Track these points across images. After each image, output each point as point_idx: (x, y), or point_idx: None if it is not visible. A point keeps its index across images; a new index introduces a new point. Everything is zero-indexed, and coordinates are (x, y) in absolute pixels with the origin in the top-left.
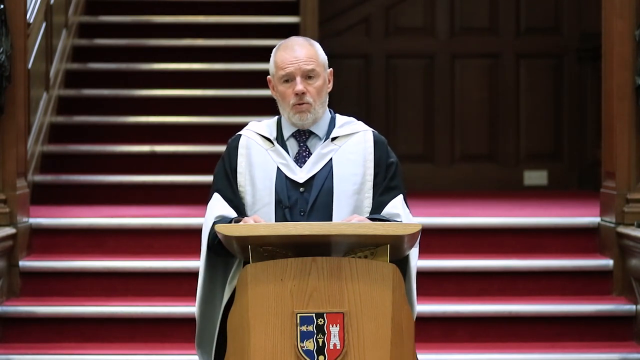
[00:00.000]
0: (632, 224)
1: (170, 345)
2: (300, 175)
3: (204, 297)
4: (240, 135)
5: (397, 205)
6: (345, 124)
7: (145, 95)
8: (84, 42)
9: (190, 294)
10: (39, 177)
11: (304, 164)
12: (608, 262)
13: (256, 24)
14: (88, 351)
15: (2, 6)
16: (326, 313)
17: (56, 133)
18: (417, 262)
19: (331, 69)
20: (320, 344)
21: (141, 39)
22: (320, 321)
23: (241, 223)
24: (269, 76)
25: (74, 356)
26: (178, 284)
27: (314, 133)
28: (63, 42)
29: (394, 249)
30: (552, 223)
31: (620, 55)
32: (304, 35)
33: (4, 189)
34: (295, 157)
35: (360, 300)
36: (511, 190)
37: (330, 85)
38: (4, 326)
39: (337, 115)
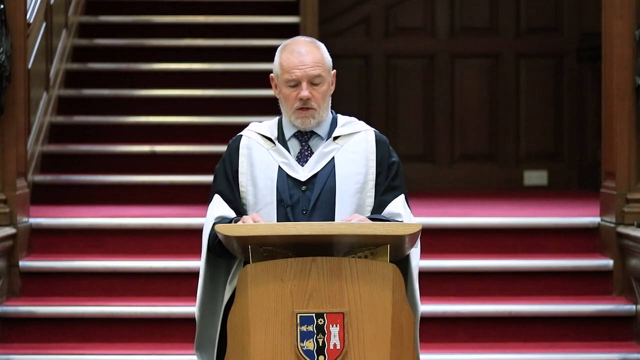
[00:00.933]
0: (632, 224)
1: (170, 345)
2: (303, 173)
3: (204, 299)
4: (241, 135)
5: (398, 205)
6: (347, 123)
7: (145, 95)
8: (84, 42)
9: (190, 294)
10: (39, 177)
11: (306, 162)
12: (608, 262)
13: (256, 24)
14: (88, 351)
15: (2, 6)
16: (326, 313)
17: (56, 133)
18: (419, 262)
19: (334, 70)
20: (320, 344)
21: (141, 39)
22: (320, 321)
23: (240, 222)
24: (271, 74)
25: (74, 356)
26: (178, 284)
27: (315, 133)
28: (63, 42)
29: (394, 249)
30: (552, 223)
31: (620, 55)
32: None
33: (4, 189)
34: (298, 156)
35: (360, 300)
36: (511, 190)
37: (333, 87)
38: (4, 326)
39: (339, 116)
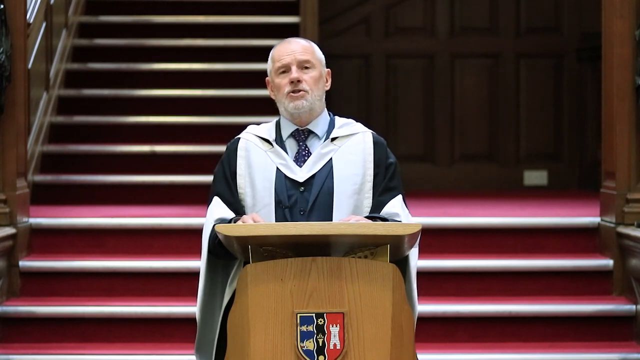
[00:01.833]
0: (632, 224)
1: (170, 345)
2: (300, 174)
3: (205, 300)
4: (239, 138)
5: (396, 205)
6: (345, 124)
7: (145, 95)
8: (84, 42)
9: (190, 294)
10: (39, 177)
11: (304, 163)
12: (608, 262)
13: (256, 24)
14: (88, 351)
15: (2, 6)
16: (326, 313)
17: (56, 133)
18: (417, 262)
19: (329, 69)
20: (320, 344)
21: (141, 39)
22: (320, 321)
23: (240, 222)
24: (267, 77)
25: (74, 356)
26: (178, 284)
27: (312, 132)
28: (63, 42)
29: (394, 249)
30: (552, 223)
31: (620, 56)
32: (304, 35)
33: (4, 189)
34: (295, 157)
35: (360, 300)
36: (511, 190)
37: (328, 85)
38: (4, 326)
39: (336, 117)
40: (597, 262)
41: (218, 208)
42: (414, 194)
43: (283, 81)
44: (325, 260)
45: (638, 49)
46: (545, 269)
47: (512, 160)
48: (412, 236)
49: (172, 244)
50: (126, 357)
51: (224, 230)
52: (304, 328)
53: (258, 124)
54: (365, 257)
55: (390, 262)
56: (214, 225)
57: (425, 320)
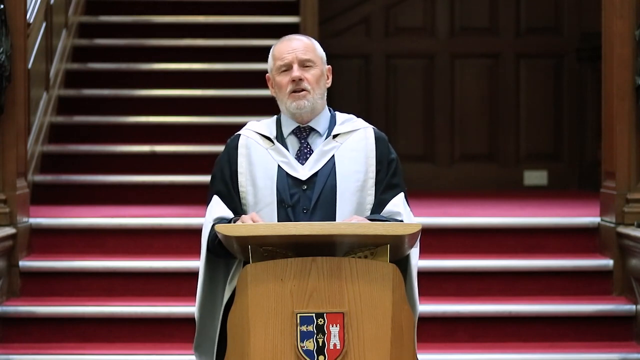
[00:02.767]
0: (632, 224)
1: (170, 345)
2: (303, 172)
3: (204, 299)
4: (239, 135)
5: (398, 204)
6: (346, 121)
7: (145, 95)
8: (84, 42)
9: (190, 294)
10: (39, 177)
11: (306, 160)
12: (608, 262)
13: (256, 24)
14: (88, 351)
15: (2, 6)
16: (326, 313)
17: (56, 133)
18: (418, 261)
19: (330, 65)
20: (320, 344)
21: (141, 39)
22: (320, 321)
23: (239, 222)
24: (267, 74)
25: (74, 356)
26: (178, 284)
27: (314, 129)
28: (63, 42)
29: (394, 249)
30: (552, 223)
31: (620, 56)
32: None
33: (4, 189)
34: (297, 154)
35: (360, 300)
36: (511, 190)
37: (329, 82)
38: (4, 326)
39: (337, 113)
40: (597, 262)
41: (218, 207)
42: (414, 194)
43: (284, 79)
44: (325, 260)
45: (638, 49)
46: (545, 269)
47: (512, 160)
48: (412, 236)
49: (172, 244)
50: (126, 357)
51: (224, 230)
52: (304, 328)
53: (258, 120)
54: (365, 257)
55: (390, 262)
56: (213, 225)
57: (425, 320)
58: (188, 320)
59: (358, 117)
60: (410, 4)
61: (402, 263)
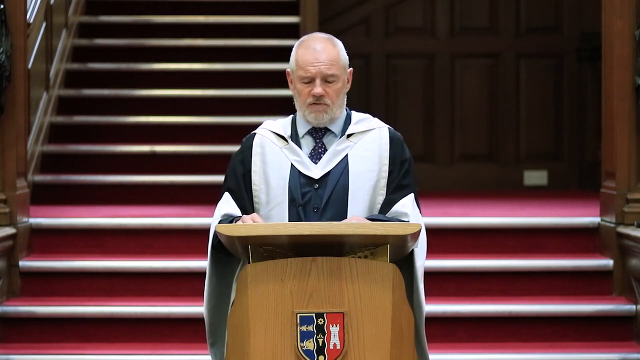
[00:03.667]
0: (632, 224)
1: (170, 345)
2: (316, 171)
3: (213, 293)
4: (255, 134)
5: (406, 205)
6: (361, 120)
7: (145, 95)
8: (84, 42)
9: (190, 294)
10: (39, 177)
11: (319, 160)
12: (608, 262)
13: (256, 24)
14: (88, 351)
15: (2, 6)
16: (326, 313)
17: (56, 133)
18: (424, 262)
19: (351, 68)
20: (320, 344)
21: (141, 39)
22: (320, 321)
23: (240, 223)
24: (287, 69)
25: (74, 356)
26: (178, 284)
27: (329, 130)
28: (63, 42)
29: (394, 249)
30: (552, 223)
31: (620, 55)
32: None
33: (4, 189)
34: (311, 153)
35: (360, 300)
36: (511, 190)
37: (349, 85)
38: (4, 326)
39: (353, 112)
40: (597, 262)
41: (227, 204)
42: None
43: (305, 90)
44: (325, 260)
45: (638, 49)
46: (545, 269)
47: (512, 160)
48: (412, 236)
49: (172, 244)
50: (126, 357)
51: (224, 230)
52: (304, 328)
53: (261, 123)
54: (365, 257)
55: (393, 261)
56: (219, 222)
57: (426, 320)
58: (188, 320)
59: (374, 116)
60: (410, 4)
61: (408, 263)
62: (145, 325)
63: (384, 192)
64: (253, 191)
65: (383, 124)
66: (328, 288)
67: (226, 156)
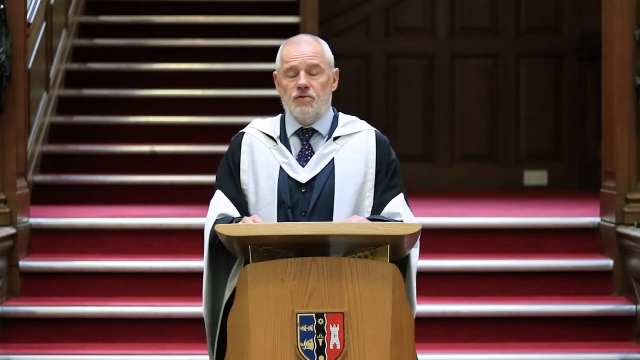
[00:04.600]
0: (632, 224)
1: (170, 345)
2: (303, 175)
3: (210, 294)
4: (243, 132)
5: (397, 205)
6: (348, 123)
7: (145, 95)
8: (84, 42)
9: (190, 294)
10: (39, 177)
11: (307, 162)
12: (608, 262)
13: (256, 24)
14: (88, 351)
15: (2, 6)
16: (326, 313)
17: (56, 133)
18: (417, 261)
19: (337, 68)
20: (320, 344)
21: (141, 39)
22: (320, 321)
23: (240, 223)
24: (274, 72)
25: (74, 356)
26: (178, 284)
27: (316, 131)
28: (63, 42)
29: (394, 249)
30: (552, 223)
31: (620, 55)
32: None
33: (4, 189)
34: (298, 156)
35: (360, 300)
36: (511, 190)
37: (335, 85)
38: (4, 326)
39: (340, 114)
40: (597, 262)
41: (221, 202)
42: (414, 194)
43: (290, 84)
44: (325, 260)
45: (638, 49)
46: (545, 269)
47: (512, 160)
48: (412, 236)
49: (172, 244)
50: (126, 357)
51: (224, 230)
52: (304, 328)
53: (263, 118)
54: (365, 257)
55: (390, 262)
56: (215, 221)
57: (425, 320)
58: (188, 320)
59: (361, 119)
60: (410, 4)
61: (402, 263)
62: (145, 325)
63: (371, 194)
64: (242, 190)
65: (370, 126)
66: (328, 288)
67: None
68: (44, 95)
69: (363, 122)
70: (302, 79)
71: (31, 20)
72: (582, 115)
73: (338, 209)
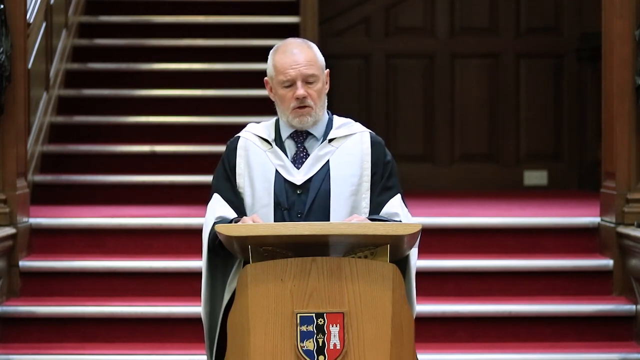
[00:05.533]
0: (632, 224)
1: (170, 345)
2: (298, 177)
3: (209, 297)
4: (238, 137)
5: (395, 205)
6: (343, 125)
7: (145, 95)
8: (84, 42)
9: (190, 294)
10: (39, 177)
11: (302, 165)
12: (608, 262)
13: (256, 24)
14: (88, 351)
15: (2, 6)
16: (326, 313)
17: (56, 133)
18: (416, 261)
19: (328, 69)
20: (320, 344)
21: (141, 39)
22: (320, 321)
23: (240, 223)
24: (266, 78)
25: (74, 356)
26: (178, 284)
27: (311, 134)
28: (63, 42)
29: (394, 249)
30: (552, 223)
31: (620, 55)
32: (304, 36)
33: (4, 189)
34: (293, 158)
35: (360, 300)
36: (511, 190)
37: (327, 86)
38: (4, 326)
39: (335, 117)
40: (597, 262)
41: (218, 206)
42: (414, 194)
43: (288, 94)
44: (325, 260)
45: (638, 49)
46: (545, 269)
47: (512, 160)
48: (412, 236)
49: (172, 244)
50: (126, 357)
51: (224, 230)
52: (304, 328)
53: (258, 122)
54: (365, 257)
55: (390, 262)
56: (214, 224)
57: (425, 320)
58: (188, 320)
59: (359, 120)
60: (410, 4)
61: (401, 263)
62: (145, 325)
63: (367, 196)
64: (239, 193)
65: (364, 128)
66: (328, 288)
67: None
68: (44, 95)
69: (358, 124)
70: (300, 90)
71: (31, 20)
72: (582, 115)
73: (335, 211)
